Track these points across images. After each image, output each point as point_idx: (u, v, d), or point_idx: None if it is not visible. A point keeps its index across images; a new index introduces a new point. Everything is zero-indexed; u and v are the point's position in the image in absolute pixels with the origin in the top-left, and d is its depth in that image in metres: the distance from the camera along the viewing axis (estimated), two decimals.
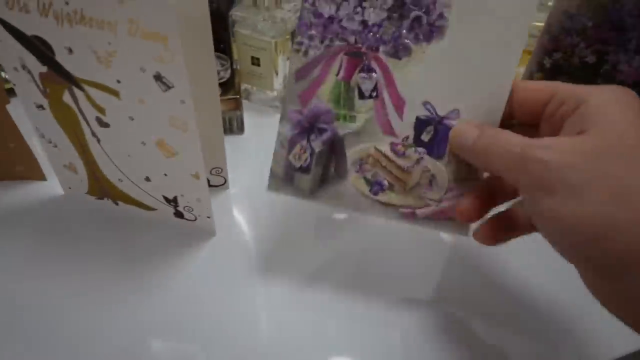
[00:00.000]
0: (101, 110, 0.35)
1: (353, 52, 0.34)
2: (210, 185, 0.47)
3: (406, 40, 0.33)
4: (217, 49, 0.51)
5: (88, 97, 0.35)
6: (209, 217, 0.41)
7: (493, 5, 0.31)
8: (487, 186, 0.33)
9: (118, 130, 0.37)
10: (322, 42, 0.34)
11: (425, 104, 0.33)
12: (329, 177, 0.36)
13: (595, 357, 0.36)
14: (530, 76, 0.46)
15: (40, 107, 0.38)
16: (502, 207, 0.33)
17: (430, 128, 0.34)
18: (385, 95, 0.34)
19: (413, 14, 0.32)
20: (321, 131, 0.35)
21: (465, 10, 0.31)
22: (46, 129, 0.40)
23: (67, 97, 0.36)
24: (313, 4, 0.33)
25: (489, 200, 0.33)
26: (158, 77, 0.31)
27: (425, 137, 0.34)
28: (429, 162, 0.34)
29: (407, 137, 0.34)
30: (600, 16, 0.39)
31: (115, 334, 0.36)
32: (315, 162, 0.35)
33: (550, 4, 0.49)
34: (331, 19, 0.33)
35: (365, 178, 0.35)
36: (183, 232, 0.43)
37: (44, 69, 0.35)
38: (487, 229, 0.32)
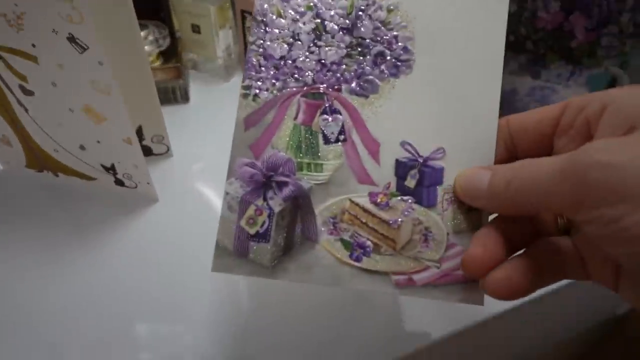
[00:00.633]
0: (22, 77, 0.35)
1: (312, 94, 0.29)
2: (153, 154, 0.48)
3: (371, 77, 0.29)
4: (156, 18, 0.52)
5: (7, 65, 0.35)
6: (148, 183, 0.41)
7: (460, 27, 0.28)
8: (500, 229, 0.26)
9: (44, 98, 0.36)
10: (274, 84, 0.29)
11: (404, 144, 0.28)
12: (294, 243, 0.27)
13: None
14: None
15: None
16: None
17: (415, 172, 0.28)
18: (356, 137, 0.28)
19: (375, 50, 0.29)
20: (281, 185, 0.27)
21: (431, 39, 0.28)
22: None
23: None
24: (260, 46, 0.29)
25: (504, 246, 0.26)
26: (71, 39, 0.31)
27: (410, 183, 0.28)
28: (419, 212, 0.27)
29: (388, 185, 0.28)
30: None
31: (64, 301, 0.36)
32: (275, 226, 0.27)
33: None
34: (283, 59, 0.29)
35: (342, 240, 0.27)
36: (126, 200, 0.43)
37: None
38: (509, 276, 0.24)
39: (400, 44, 0.29)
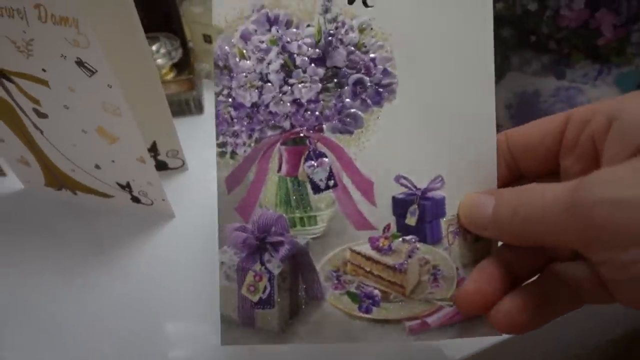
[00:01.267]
0: (36, 101, 0.36)
1: (292, 140, 0.26)
2: (168, 168, 0.47)
3: (353, 110, 0.26)
4: (167, 29, 0.51)
5: (19, 89, 0.35)
6: (164, 200, 0.41)
7: (442, 36, 0.25)
8: (502, 260, 0.25)
9: (58, 120, 0.37)
10: (250, 136, 0.26)
11: (398, 178, 0.26)
12: (300, 303, 0.26)
13: None
14: None
15: None
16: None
17: (414, 208, 0.26)
18: (347, 180, 0.26)
19: (352, 78, 0.26)
20: (276, 246, 0.26)
21: (412, 56, 0.26)
22: None
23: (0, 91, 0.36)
24: (228, 95, 0.26)
25: (505, 278, 0.24)
26: (80, 63, 0.31)
27: (410, 221, 0.26)
28: (425, 251, 0.26)
29: (388, 227, 0.26)
30: None
31: (84, 316, 0.36)
32: (278, 289, 0.26)
33: None
34: (255, 106, 0.26)
35: (348, 293, 0.26)
36: (143, 217, 0.43)
37: None
38: (508, 310, 0.23)
39: (379, 66, 0.26)
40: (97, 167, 0.40)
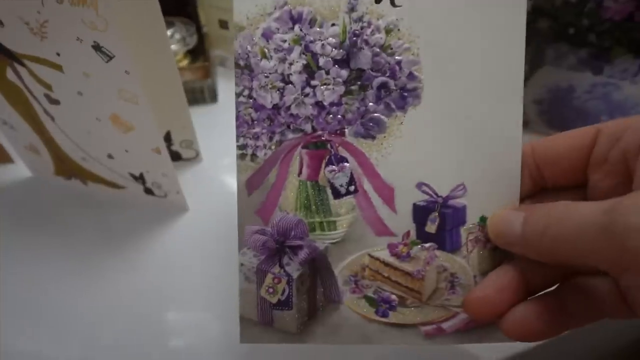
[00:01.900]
0: (48, 86, 0.34)
1: (313, 143, 0.26)
2: (182, 159, 0.47)
3: (376, 114, 0.26)
4: (182, 13, 0.50)
5: (31, 73, 0.34)
6: (178, 193, 0.40)
7: (472, 41, 0.24)
8: (519, 268, 0.25)
9: (70, 107, 0.36)
10: (270, 139, 0.26)
11: (420, 185, 0.26)
12: (318, 306, 0.27)
13: None
14: None
15: None
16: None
17: (435, 215, 0.26)
18: (368, 186, 0.26)
19: (376, 81, 0.25)
20: (295, 250, 0.26)
21: (440, 60, 0.25)
22: None
23: (11, 75, 0.35)
24: (249, 96, 0.26)
25: (518, 286, 0.24)
26: (97, 47, 0.30)
27: (430, 228, 0.26)
28: (443, 259, 0.26)
29: (407, 234, 0.26)
30: None
31: (92, 308, 0.36)
32: (296, 292, 0.26)
33: None
34: (276, 108, 0.26)
35: (366, 297, 0.27)
36: (156, 209, 0.42)
37: None
38: (532, 316, 0.23)
39: (405, 70, 0.25)
40: (110, 156, 0.39)
